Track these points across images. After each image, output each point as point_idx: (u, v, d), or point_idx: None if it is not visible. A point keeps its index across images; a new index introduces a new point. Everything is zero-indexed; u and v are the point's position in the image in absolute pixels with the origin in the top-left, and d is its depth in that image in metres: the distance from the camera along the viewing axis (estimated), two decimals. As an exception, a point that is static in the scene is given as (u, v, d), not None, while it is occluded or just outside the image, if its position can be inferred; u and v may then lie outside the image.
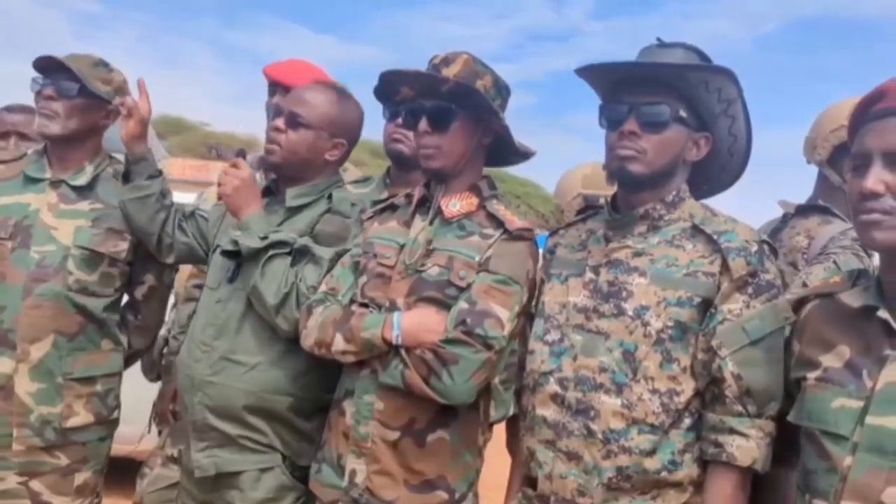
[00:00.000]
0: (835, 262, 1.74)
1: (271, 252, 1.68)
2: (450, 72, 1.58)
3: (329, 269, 1.71)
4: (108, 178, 2.12)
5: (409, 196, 1.73)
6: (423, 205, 1.68)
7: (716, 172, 1.57)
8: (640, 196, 1.50)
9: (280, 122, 1.79)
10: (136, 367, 2.44)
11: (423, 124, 1.58)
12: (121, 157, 2.09)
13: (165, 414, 2.39)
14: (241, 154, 1.83)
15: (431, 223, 1.63)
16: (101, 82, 2.07)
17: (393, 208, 1.76)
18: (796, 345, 1.33)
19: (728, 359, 1.37)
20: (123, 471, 3.47)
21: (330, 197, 1.81)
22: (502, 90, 1.66)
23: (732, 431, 1.36)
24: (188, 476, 1.78)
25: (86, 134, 2.09)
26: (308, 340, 1.59)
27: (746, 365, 1.36)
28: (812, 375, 1.25)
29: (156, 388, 2.59)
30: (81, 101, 2.04)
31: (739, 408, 1.36)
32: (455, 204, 1.62)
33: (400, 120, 2.03)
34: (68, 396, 2.00)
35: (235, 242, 1.72)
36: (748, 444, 1.35)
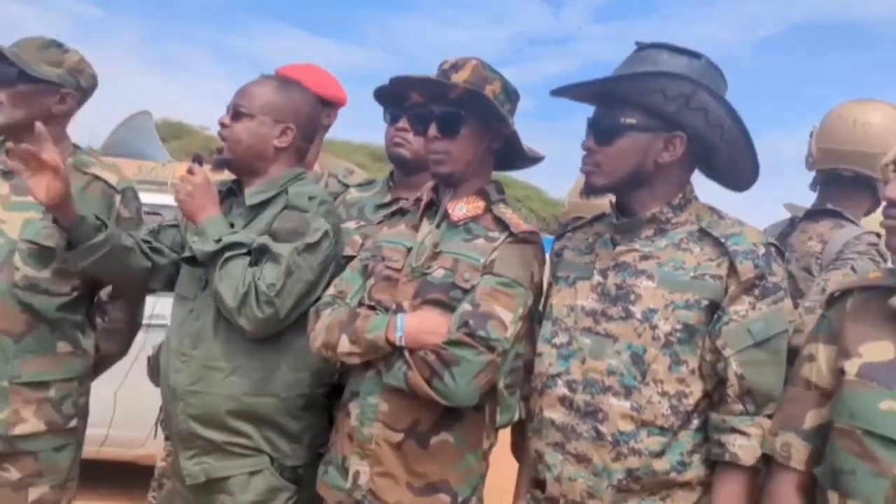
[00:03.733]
0: (852, 267, 1.75)
1: (227, 254, 1.66)
2: (459, 77, 1.60)
3: (288, 265, 1.65)
4: (68, 169, 1.97)
5: (418, 201, 1.74)
6: (431, 208, 1.70)
7: (729, 166, 1.54)
8: (630, 199, 1.52)
9: (225, 118, 1.79)
10: (134, 372, 2.39)
11: (433, 130, 1.60)
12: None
13: None
14: (198, 160, 1.80)
15: (438, 226, 1.64)
16: (49, 65, 1.92)
17: (402, 213, 1.77)
18: (839, 338, 1.30)
19: (732, 359, 1.38)
20: (128, 476, 3.47)
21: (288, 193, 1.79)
22: (511, 95, 1.67)
23: (734, 430, 1.37)
24: (180, 482, 1.78)
25: (40, 120, 1.92)
26: (315, 343, 1.60)
27: (749, 365, 1.37)
28: (852, 370, 1.23)
29: (155, 392, 2.58)
30: (26, 88, 1.90)
31: (740, 406, 1.37)
32: (462, 207, 1.63)
33: (401, 123, 2.03)
34: (15, 402, 1.86)
35: (192, 248, 1.71)
36: (750, 444, 1.36)
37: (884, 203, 1.25)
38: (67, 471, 2.00)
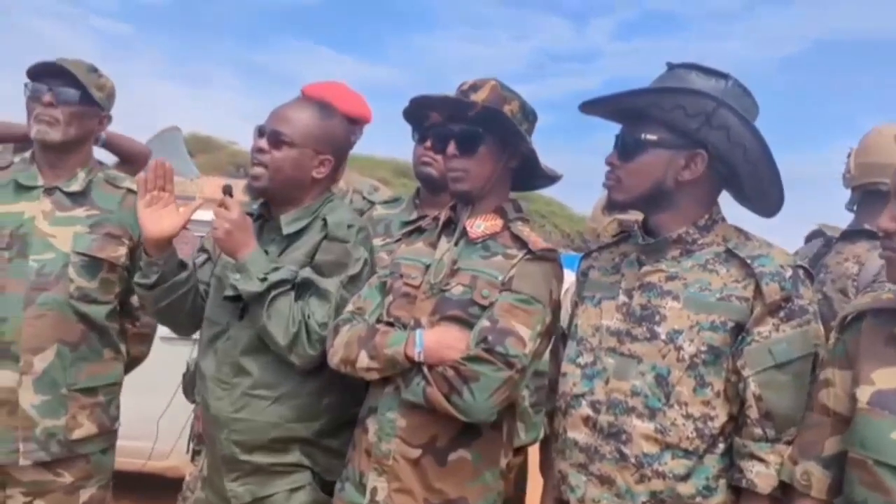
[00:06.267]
0: (890, 289, 1.72)
1: (274, 292, 1.65)
2: (477, 97, 1.61)
3: (336, 301, 1.67)
4: (101, 183, 2.08)
5: (436, 219, 1.75)
6: (449, 226, 1.71)
7: (754, 189, 1.51)
8: (655, 219, 1.52)
9: (263, 143, 1.74)
10: (146, 381, 2.42)
11: (451, 148, 1.61)
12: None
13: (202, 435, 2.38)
14: (228, 191, 1.76)
15: (457, 244, 1.65)
16: (95, 88, 2.03)
17: (420, 231, 1.78)
18: (854, 363, 1.27)
19: (751, 379, 1.35)
20: (136, 485, 3.50)
21: (325, 221, 1.76)
22: (529, 115, 1.68)
23: (752, 457, 1.35)
24: (224, 501, 1.78)
25: (81, 141, 2.05)
26: (334, 359, 1.61)
27: (769, 387, 1.35)
28: (864, 398, 1.20)
29: (185, 406, 2.60)
30: (81, 108, 2.00)
31: (759, 431, 1.35)
32: (480, 225, 1.64)
33: (429, 143, 2.04)
34: (72, 408, 1.96)
35: (235, 287, 1.68)
36: (768, 472, 1.33)
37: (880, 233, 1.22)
38: (110, 471, 2.11)
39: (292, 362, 1.67)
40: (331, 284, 1.68)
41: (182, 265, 1.83)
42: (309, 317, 1.65)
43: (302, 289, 1.69)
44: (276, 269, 1.70)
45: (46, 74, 1.99)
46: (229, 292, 1.72)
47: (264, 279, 1.66)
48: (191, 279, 1.84)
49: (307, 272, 1.70)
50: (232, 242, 1.70)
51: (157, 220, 1.74)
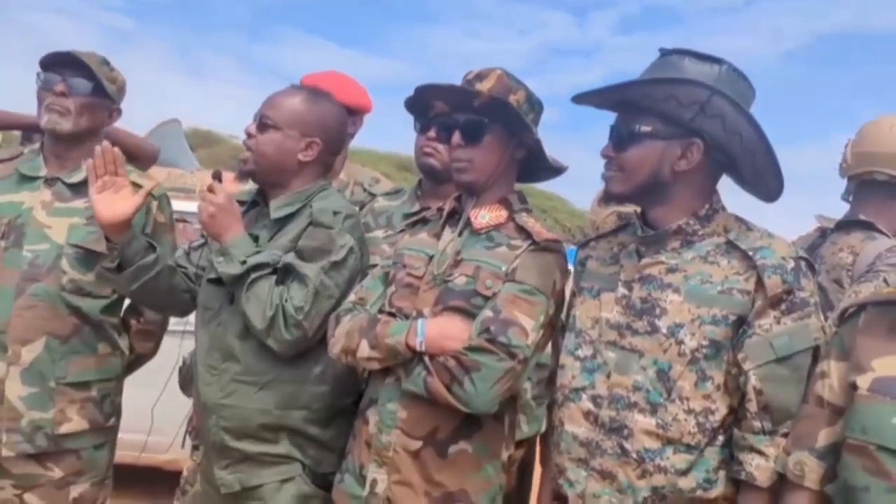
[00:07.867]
0: (885, 279, 1.71)
1: (253, 275, 1.66)
2: (483, 87, 1.61)
3: (315, 286, 1.66)
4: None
5: (440, 210, 1.74)
6: (454, 217, 1.70)
7: (754, 175, 1.50)
8: (653, 212, 1.50)
9: (251, 128, 1.78)
10: (159, 377, 2.40)
11: (456, 138, 1.60)
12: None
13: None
14: (217, 176, 1.78)
15: (461, 234, 1.64)
16: (107, 81, 2.03)
17: (424, 221, 1.78)
18: (851, 354, 1.27)
19: (752, 373, 1.35)
20: (155, 481, 3.50)
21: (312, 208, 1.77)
22: (535, 105, 1.67)
23: (752, 450, 1.34)
24: (215, 490, 1.80)
25: (90, 133, 2.04)
26: (335, 348, 1.60)
27: (769, 381, 1.34)
28: (864, 384, 1.20)
29: (186, 400, 2.60)
30: (92, 100, 2.00)
31: (758, 424, 1.34)
32: (484, 216, 1.63)
33: (431, 133, 2.04)
34: (61, 401, 1.94)
35: (217, 269, 1.71)
36: (767, 465, 1.32)
37: None
38: (105, 468, 2.09)
39: (272, 348, 1.66)
40: (310, 269, 1.67)
41: (151, 248, 1.83)
42: (287, 301, 1.64)
43: (284, 274, 1.69)
44: (259, 252, 1.71)
45: (59, 64, 2.00)
46: (212, 275, 1.74)
47: (244, 262, 1.67)
48: (158, 262, 1.82)
49: (290, 257, 1.70)
50: (216, 226, 1.72)
51: (109, 205, 1.74)
